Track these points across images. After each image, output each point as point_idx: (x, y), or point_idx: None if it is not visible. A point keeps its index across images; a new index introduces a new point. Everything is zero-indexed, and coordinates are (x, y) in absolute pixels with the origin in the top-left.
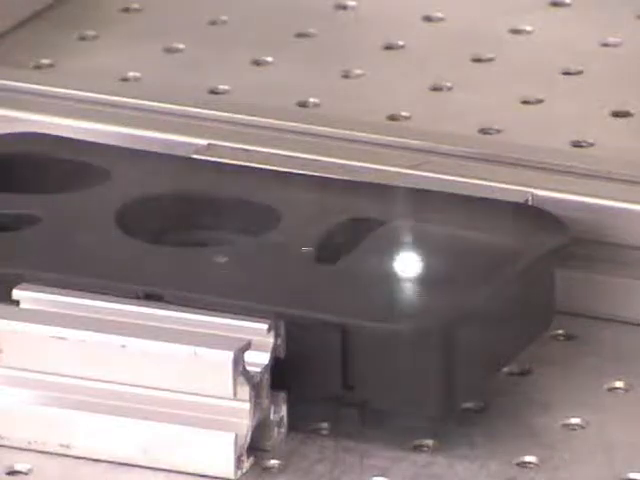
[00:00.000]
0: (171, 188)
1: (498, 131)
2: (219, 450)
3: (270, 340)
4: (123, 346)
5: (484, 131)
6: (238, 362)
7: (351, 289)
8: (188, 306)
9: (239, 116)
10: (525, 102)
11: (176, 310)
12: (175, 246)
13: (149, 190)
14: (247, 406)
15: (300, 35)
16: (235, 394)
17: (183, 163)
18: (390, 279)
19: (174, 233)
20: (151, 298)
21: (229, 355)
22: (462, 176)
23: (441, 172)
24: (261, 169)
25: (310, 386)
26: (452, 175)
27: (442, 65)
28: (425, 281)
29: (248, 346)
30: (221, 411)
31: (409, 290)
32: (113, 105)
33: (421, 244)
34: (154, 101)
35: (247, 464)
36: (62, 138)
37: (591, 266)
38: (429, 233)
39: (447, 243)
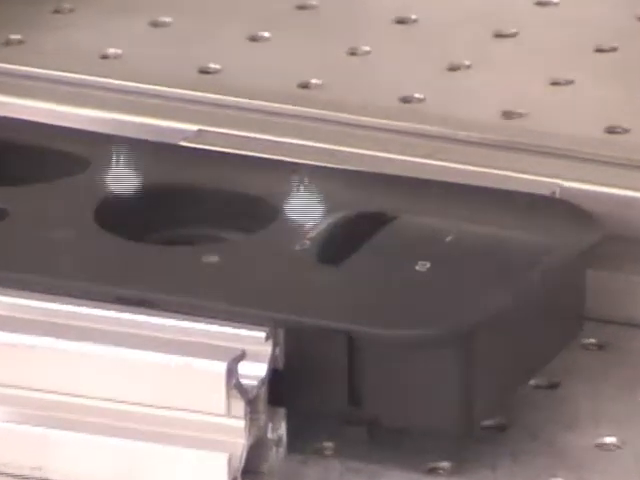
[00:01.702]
0: (157, 180)
1: (522, 115)
2: (211, 472)
3: (267, 349)
4: (103, 356)
5: (507, 115)
6: (231, 374)
7: (358, 292)
8: (175, 312)
9: (233, 99)
10: (553, 83)
11: (162, 316)
12: (161, 244)
13: (132, 182)
14: (242, 423)
15: (301, 7)
16: (228, 410)
17: (170, 151)
18: (403, 280)
19: (160, 230)
20: (134, 303)
21: (221, 366)
22: (482, 166)
23: (459, 161)
24: (257, 158)
25: (313, 401)
26: (471, 165)
27: (460, 41)
28: (442, 282)
29: (243, 356)
30: (213, 429)
31: (424, 292)
32: (91, 86)
33: (437, 241)
34: (137, 82)
35: None
36: (33, 123)
37: (625, 266)
38: (445, 229)
39: (466, 240)
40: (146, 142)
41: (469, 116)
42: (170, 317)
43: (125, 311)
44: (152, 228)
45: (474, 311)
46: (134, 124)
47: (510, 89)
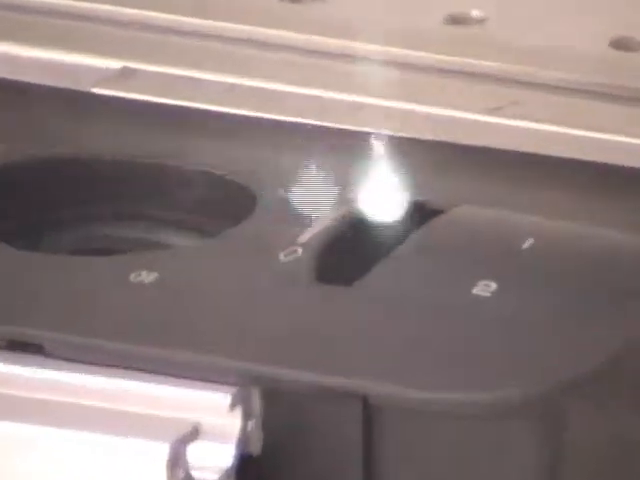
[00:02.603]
0: (56, 151)
1: None
2: None
3: (235, 423)
4: None
5: (618, 45)
6: (177, 461)
7: (381, 330)
8: (88, 363)
9: (177, 18)
10: None
11: (67, 370)
12: (62, 253)
13: (16, 151)
14: None
15: None
16: None
17: (80, 102)
18: (453, 311)
19: (64, 230)
20: (22, 349)
21: (162, 449)
22: (576, 126)
23: (540, 119)
24: (220, 115)
25: None
26: (559, 125)
27: None
28: (515, 315)
29: (195, 433)
30: None
31: (487, 331)
32: None
33: (507, 250)
34: None
35: None
36: None
37: None
38: (520, 230)
39: (553, 248)
40: (39, 87)
41: (557, 46)
42: (82, 372)
43: (10, 362)
44: (51, 227)
45: (568, 364)
46: (23, 60)
47: (624, 5)
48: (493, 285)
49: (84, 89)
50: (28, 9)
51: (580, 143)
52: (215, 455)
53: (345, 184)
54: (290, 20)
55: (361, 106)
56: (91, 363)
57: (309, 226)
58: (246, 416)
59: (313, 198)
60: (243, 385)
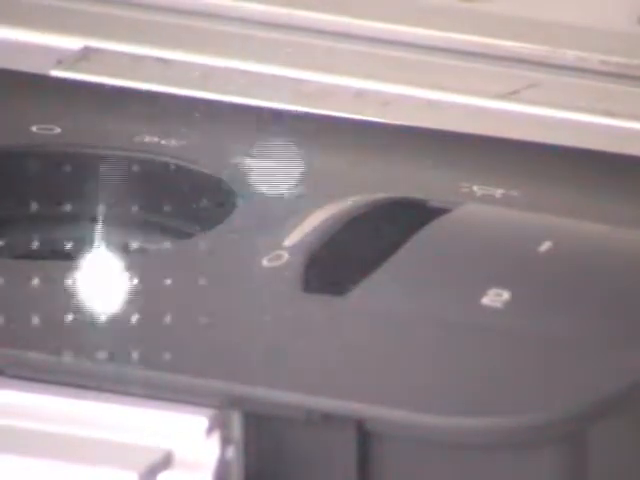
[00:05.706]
0: (7, 140)
1: None
2: None
3: (212, 450)
4: None
5: None
6: None
7: (375, 349)
8: (49, 384)
9: None
10: None
11: (26, 391)
12: (13, 258)
13: None
14: None
15: None
16: None
17: (35, 86)
18: (461, 324)
19: (12, 230)
20: None
21: (131, 479)
22: (608, 113)
23: (563, 105)
24: (196, 101)
25: None
26: (587, 112)
27: None
28: (526, 333)
29: (167, 462)
30: None
31: (492, 351)
32: None
33: (522, 253)
34: None
35: None
36: None
37: None
38: (538, 231)
39: (568, 252)
40: None
41: (580, 23)
42: (42, 393)
43: None
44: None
45: (593, 386)
46: None
47: None
48: (505, 294)
49: (42, 72)
50: None
51: (605, 132)
52: None
53: (339, 180)
54: None
55: (360, 92)
56: (52, 383)
57: (296, 227)
58: (225, 442)
59: (301, 195)
60: (222, 407)
